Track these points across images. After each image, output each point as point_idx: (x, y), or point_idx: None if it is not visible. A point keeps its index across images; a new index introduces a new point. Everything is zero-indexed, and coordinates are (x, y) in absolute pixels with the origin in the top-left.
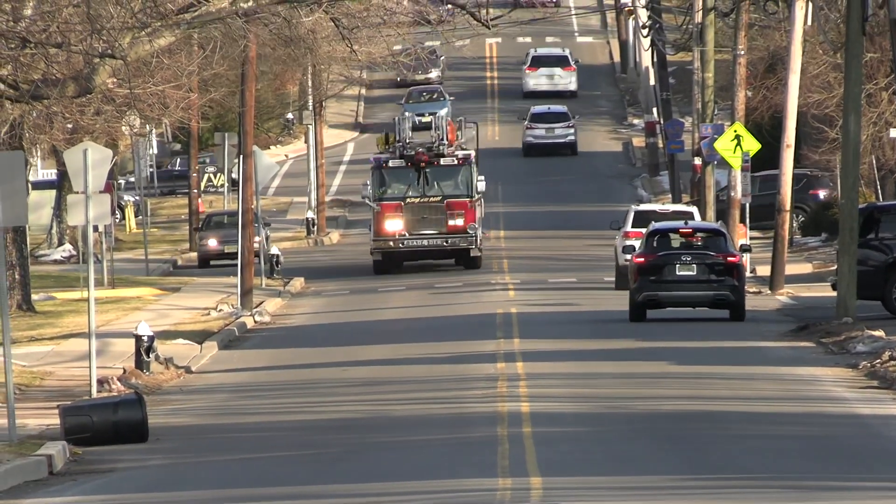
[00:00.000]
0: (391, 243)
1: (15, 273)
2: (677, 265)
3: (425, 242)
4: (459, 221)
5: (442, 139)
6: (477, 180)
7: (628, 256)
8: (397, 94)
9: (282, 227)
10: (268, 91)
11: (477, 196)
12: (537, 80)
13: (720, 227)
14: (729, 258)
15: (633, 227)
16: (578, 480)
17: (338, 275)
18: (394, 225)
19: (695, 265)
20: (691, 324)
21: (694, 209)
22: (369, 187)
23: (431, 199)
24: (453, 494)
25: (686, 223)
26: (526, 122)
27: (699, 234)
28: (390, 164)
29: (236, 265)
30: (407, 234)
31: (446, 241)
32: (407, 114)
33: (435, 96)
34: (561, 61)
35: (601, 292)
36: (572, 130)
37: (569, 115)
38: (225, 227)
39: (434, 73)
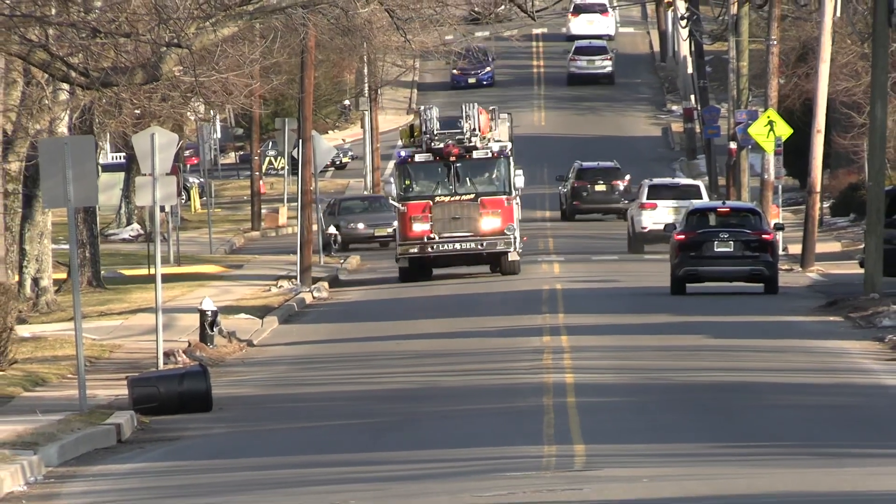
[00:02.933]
0: (419, 247)
1: (85, 251)
2: (716, 242)
3: (458, 246)
4: (496, 222)
5: (474, 130)
6: (514, 175)
7: (644, 225)
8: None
9: None
10: (326, 79)
11: (515, 193)
12: (578, 24)
13: (755, 206)
14: (763, 235)
15: (647, 199)
16: (619, 448)
17: (392, 253)
18: (422, 227)
19: (732, 242)
20: (726, 299)
21: (700, 182)
22: (393, 185)
23: (463, 197)
24: (501, 461)
25: (724, 203)
26: (570, 55)
27: (736, 213)
28: (416, 158)
29: (381, 247)
30: (436, 237)
31: (481, 245)
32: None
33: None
34: (600, 7)
35: (641, 268)
36: (610, 62)
37: (607, 48)
38: (364, 212)
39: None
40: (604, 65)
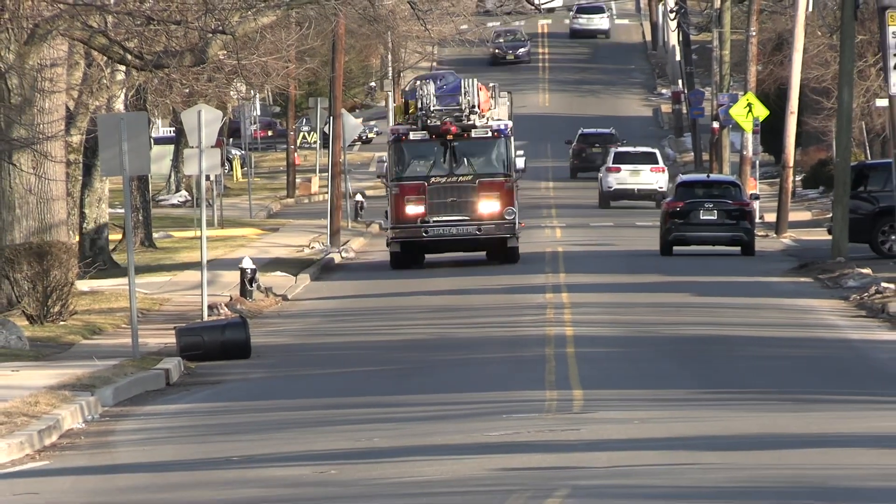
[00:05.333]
0: (412, 231)
1: (139, 215)
2: (701, 211)
3: (453, 230)
4: (495, 205)
5: (473, 107)
6: (516, 156)
7: (610, 185)
8: (466, 69)
9: (365, 178)
10: (354, 62)
11: (516, 175)
12: None
13: (735, 179)
14: (743, 205)
15: (613, 163)
16: (613, 393)
17: None
18: (415, 209)
19: (716, 211)
20: (709, 261)
21: (656, 150)
22: (385, 164)
23: (461, 178)
24: (508, 404)
25: (708, 176)
26: (573, 14)
27: (719, 185)
28: (411, 136)
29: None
30: (431, 221)
31: (479, 229)
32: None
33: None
34: None
35: (634, 233)
36: (607, 20)
37: (604, 8)
38: None
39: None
40: (601, 21)
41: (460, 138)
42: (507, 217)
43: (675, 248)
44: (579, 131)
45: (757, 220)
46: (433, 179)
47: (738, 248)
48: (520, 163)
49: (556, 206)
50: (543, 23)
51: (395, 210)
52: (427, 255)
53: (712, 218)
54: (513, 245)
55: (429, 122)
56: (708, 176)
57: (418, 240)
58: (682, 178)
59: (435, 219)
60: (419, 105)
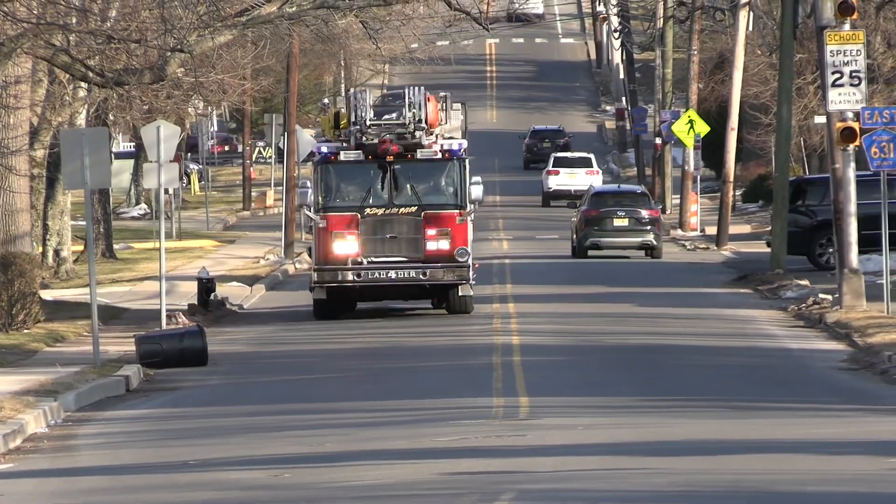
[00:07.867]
0: (341, 274)
1: (100, 227)
2: (614, 218)
3: (392, 274)
4: (444, 244)
5: (419, 121)
6: (470, 183)
7: (550, 186)
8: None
9: None
10: (308, 80)
11: (470, 206)
12: None
13: (644, 189)
14: (652, 213)
15: (552, 167)
16: (559, 400)
17: None
18: (345, 247)
19: (627, 218)
20: (651, 272)
21: (591, 155)
22: (310, 191)
23: (402, 209)
24: (456, 410)
25: (619, 187)
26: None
27: (629, 195)
28: (342, 156)
29: None
30: (364, 262)
31: (423, 273)
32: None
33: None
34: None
35: None
36: (541, 5)
37: None
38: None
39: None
40: (535, 5)
41: (403, 160)
42: (458, 259)
43: (589, 251)
44: (531, 128)
45: (697, 232)
46: (368, 211)
47: (648, 252)
48: (475, 191)
49: (503, 219)
50: (491, 42)
51: (320, 247)
52: (360, 304)
53: (624, 224)
54: (465, 294)
55: (364, 139)
56: (619, 186)
57: (349, 285)
58: (595, 188)
59: (370, 259)
60: (352, 118)
